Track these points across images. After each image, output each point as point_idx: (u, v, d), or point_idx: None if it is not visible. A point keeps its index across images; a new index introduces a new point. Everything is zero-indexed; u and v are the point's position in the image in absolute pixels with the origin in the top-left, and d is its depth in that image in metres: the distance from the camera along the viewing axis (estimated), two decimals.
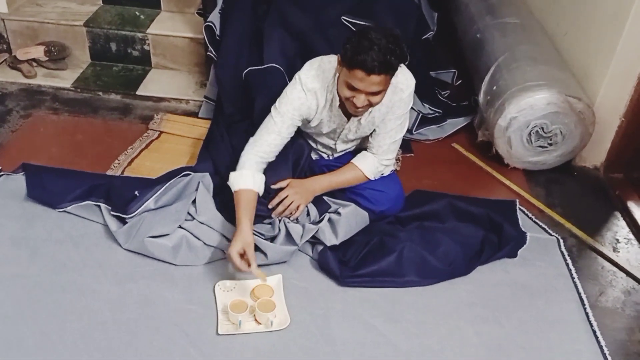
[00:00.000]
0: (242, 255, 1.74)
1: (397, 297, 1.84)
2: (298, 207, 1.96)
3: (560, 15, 2.73)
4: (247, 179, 1.83)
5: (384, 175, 2.07)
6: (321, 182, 2.02)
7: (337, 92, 1.82)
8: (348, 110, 1.82)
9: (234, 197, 1.84)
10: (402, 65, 1.79)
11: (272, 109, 1.88)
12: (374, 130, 1.98)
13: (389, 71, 1.66)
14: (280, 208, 1.95)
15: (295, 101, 1.84)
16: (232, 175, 1.86)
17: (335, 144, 2.07)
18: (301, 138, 2.14)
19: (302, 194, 1.97)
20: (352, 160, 2.04)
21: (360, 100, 1.70)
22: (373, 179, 2.03)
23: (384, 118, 1.92)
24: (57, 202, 2.04)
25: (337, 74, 1.79)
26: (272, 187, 1.96)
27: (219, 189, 2.06)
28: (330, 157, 2.15)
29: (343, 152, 2.15)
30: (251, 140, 1.91)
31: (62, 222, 2.01)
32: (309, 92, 1.84)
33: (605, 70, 2.34)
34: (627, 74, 2.31)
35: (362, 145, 2.11)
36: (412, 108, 2.63)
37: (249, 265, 1.73)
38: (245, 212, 1.79)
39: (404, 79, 1.87)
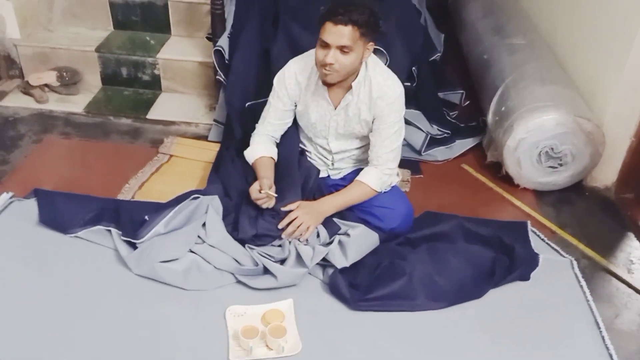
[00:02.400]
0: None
1: (408, 320, 1.83)
2: (308, 228, 1.96)
3: (567, 34, 2.74)
4: (260, 148, 2.10)
5: (392, 185, 2.10)
6: (331, 203, 2.04)
7: (315, 62, 1.92)
8: (322, 80, 1.94)
9: (254, 165, 2.09)
10: (392, 73, 2.01)
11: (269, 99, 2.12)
12: (369, 145, 2.05)
13: (355, 24, 1.79)
14: (290, 229, 1.96)
15: (280, 82, 2.07)
16: (249, 149, 2.13)
17: (328, 143, 2.12)
18: (308, 162, 2.18)
19: (312, 214, 1.98)
20: (356, 178, 2.07)
21: (330, 56, 1.82)
22: (380, 190, 2.05)
23: (369, 112, 1.98)
24: (69, 227, 2.05)
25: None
26: (282, 209, 1.98)
27: (230, 210, 2.07)
28: (331, 165, 2.19)
29: (347, 171, 2.20)
30: (257, 126, 2.17)
31: (73, 246, 2.01)
32: (287, 72, 2.06)
33: (613, 90, 2.34)
34: (636, 94, 2.30)
35: (363, 164, 2.17)
36: (420, 129, 2.68)
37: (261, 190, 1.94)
38: (264, 172, 2.03)
39: (389, 83, 1.97)
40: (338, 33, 1.79)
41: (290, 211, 1.98)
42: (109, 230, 2.04)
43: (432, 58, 2.94)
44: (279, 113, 2.11)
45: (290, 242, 1.97)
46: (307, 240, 1.98)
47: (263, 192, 1.95)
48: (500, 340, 1.79)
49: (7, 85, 2.99)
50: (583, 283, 2.01)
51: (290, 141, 2.22)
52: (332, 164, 2.20)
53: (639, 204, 2.43)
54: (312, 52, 1.97)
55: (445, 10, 3.82)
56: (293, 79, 2.04)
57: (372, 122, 2.02)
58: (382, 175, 2.04)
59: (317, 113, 2.06)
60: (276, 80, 2.08)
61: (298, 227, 1.95)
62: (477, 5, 3.41)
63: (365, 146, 2.14)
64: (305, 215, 1.97)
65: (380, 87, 1.95)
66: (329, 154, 2.18)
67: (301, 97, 2.06)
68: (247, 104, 2.46)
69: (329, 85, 1.98)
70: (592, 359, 1.75)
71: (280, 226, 1.97)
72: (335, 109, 2.03)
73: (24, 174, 2.40)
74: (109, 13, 3.08)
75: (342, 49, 1.82)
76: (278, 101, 2.09)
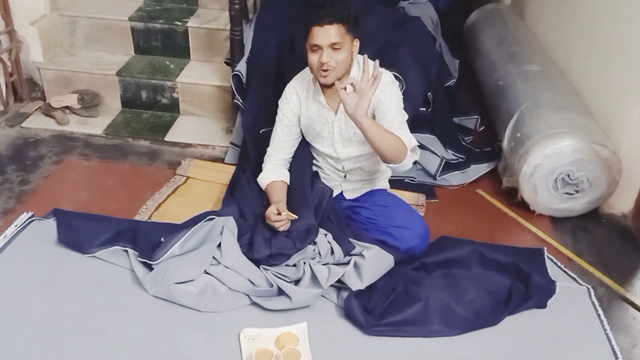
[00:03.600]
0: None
1: (423, 347, 1.81)
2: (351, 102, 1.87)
3: (582, 62, 2.75)
4: (272, 173, 2.17)
5: (417, 156, 2.05)
6: (369, 119, 1.91)
7: (310, 69, 2.01)
8: (320, 82, 2.01)
9: (267, 189, 2.16)
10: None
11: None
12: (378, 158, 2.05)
13: (339, 21, 1.88)
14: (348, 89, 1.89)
15: (283, 99, 2.18)
16: (260, 176, 2.19)
17: (335, 150, 2.15)
18: (320, 183, 2.21)
19: (361, 105, 1.87)
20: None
21: (324, 56, 1.90)
22: (409, 148, 1.96)
23: (373, 109, 2.01)
24: (86, 247, 2.07)
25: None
26: (339, 86, 1.88)
27: (244, 231, 2.09)
28: (343, 177, 2.23)
29: (362, 192, 2.23)
30: (268, 149, 2.23)
31: (90, 266, 2.04)
32: (288, 89, 2.17)
33: (630, 118, 2.34)
34: None
35: (376, 182, 2.24)
36: (435, 154, 2.69)
37: (280, 213, 1.98)
38: (277, 196, 2.08)
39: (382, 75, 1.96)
40: (326, 33, 1.89)
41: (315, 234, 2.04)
42: (126, 251, 2.07)
43: (447, 84, 2.97)
44: (285, 129, 2.18)
45: (305, 263, 1.98)
46: (319, 254, 2.00)
47: (284, 214, 1.99)
48: None
49: (29, 107, 3.06)
50: (600, 312, 1.99)
51: (303, 163, 2.25)
52: (345, 176, 2.22)
53: None
54: (307, 69, 2.08)
55: (460, 37, 3.86)
56: (294, 94, 2.15)
57: (373, 113, 2.03)
58: (405, 135, 1.98)
59: (319, 122, 2.13)
60: (280, 100, 2.20)
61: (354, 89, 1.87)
62: (492, 33, 3.44)
63: (375, 158, 2.14)
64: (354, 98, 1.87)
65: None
66: (338, 162, 2.20)
67: (303, 109, 2.15)
68: (261, 131, 2.50)
69: (328, 86, 2.02)
70: None
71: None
72: (336, 113, 2.09)
73: (43, 194, 2.44)
74: (130, 38, 3.15)
75: (333, 46, 1.91)
76: (283, 118, 2.18)
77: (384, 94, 2.02)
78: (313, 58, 1.95)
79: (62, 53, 3.16)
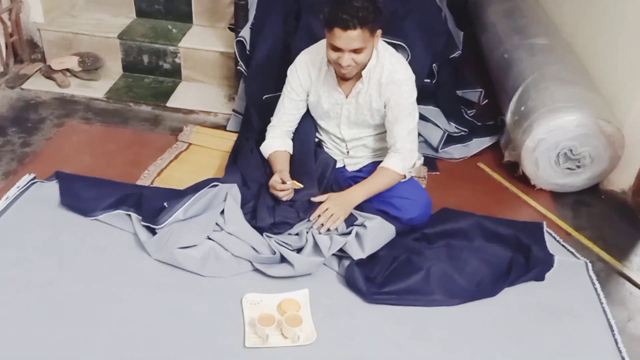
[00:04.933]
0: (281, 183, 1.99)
1: (423, 316, 1.84)
2: (338, 218, 1.98)
3: (590, 36, 2.73)
4: (276, 142, 2.14)
5: (416, 167, 2.13)
6: (359, 192, 2.06)
7: (327, 59, 1.94)
8: (338, 74, 1.97)
9: (270, 158, 2.13)
10: (400, 57, 2.04)
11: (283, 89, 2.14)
12: (382, 134, 2.10)
13: (364, 25, 1.78)
14: (321, 220, 1.98)
15: (293, 73, 2.11)
16: (265, 143, 2.16)
17: (340, 131, 2.15)
18: (324, 153, 2.20)
19: (342, 205, 2.01)
20: (379, 165, 2.09)
21: (345, 59, 1.84)
22: (405, 173, 2.06)
23: (385, 103, 2.01)
24: (89, 210, 2.08)
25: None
26: (312, 199, 2.01)
27: (248, 199, 2.09)
28: (346, 153, 2.23)
29: (364, 163, 2.24)
30: (272, 119, 2.20)
31: (93, 230, 2.04)
32: (299, 64, 2.09)
33: (635, 94, 2.34)
34: None
35: (378, 155, 2.23)
36: (437, 126, 2.69)
37: (284, 182, 1.98)
38: (280, 165, 2.07)
39: (398, 67, 1.99)
40: (349, 38, 1.80)
41: (319, 203, 2.02)
42: (129, 215, 2.07)
43: (452, 55, 2.94)
44: (293, 103, 2.15)
45: (307, 232, 1.99)
46: (337, 229, 2.00)
47: (289, 183, 1.98)
48: (514, 339, 1.80)
49: (29, 69, 3.02)
50: (597, 285, 2.02)
51: (307, 133, 2.24)
52: (347, 152, 2.23)
53: None
54: (322, 42, 1.99)
55: (465, 9, 3.81)
56: (305, 70, 2.08)
57: (385, 108, 2.04)
58: (403, 158, 2.06)
59: (328, 103, 2.10)
60: (289, 71, 2.13)
61: (329, 218, 1.97)
62: (498, 6, 3.40)
63: (378, 135, 2.17)
64: (336, 207, 1.99)
65: (389, 72, 1.98)
66: (342, 142, 2.21)
67: (312, 87, 2.10)
68: (264, 97, 2.48)
69: (346, 79, 2.00)
70: None
71: (311, 218, 2.00)
72: (347, 97, 2.07)
73: (45, 157, 2.43)
74: (132, 1, 3.10)
75: (355, 50, 1.84)
76: (291, 92, 2.13)
77: (400, 93, 1.99)
78: (332, 55, 1.89)
79: (63, 14, 3.11)
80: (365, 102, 2.05)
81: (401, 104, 2.01)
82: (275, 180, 2.01)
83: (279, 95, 2.23)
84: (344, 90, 2.06)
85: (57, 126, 2.65)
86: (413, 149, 2.09)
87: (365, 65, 1.96)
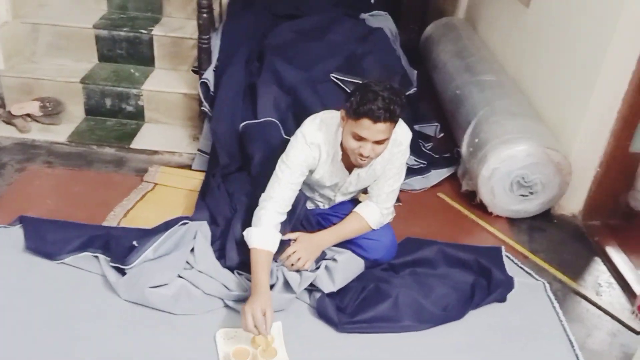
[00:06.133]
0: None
1: (394, 342, 1.89)
2: (305, 263, 2.00)
3: (533, 72, 2.92)
4: (268, 238, 1.89)
5: (383, 224, 2.13)
6: (329, 237, 2.06)
7: (341, 146, 1.89)
8: (353, 162, 1.88)
9: (252, 252, 1.87)
10: (400, 119, 1.88)
11: (280, 164, 1.94)
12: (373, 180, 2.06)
13: (393, 119, 1.75)
14: (287, 263, 2.00)
15: (301, 154, 1.92)
16: (251, 231, 1.90)
17: (335, 196, 2.14)
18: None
19: (310, 250, 2.02)
20: (355, 210, 2.08)
21: (367, 149, 1.78)
22: (375, 228, 2.09)
23: (383, 169, 2.01)
24: (56, 253, 2.05)
25: (341, 128, 1.87)
26: (282, 238, 1.96)
27: (217, 237, 2.12)
28: (326, 207, 2.22)
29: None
30: (264, 195, 1.95)
31: (61, 273, 2.02)
32: (312, 145, 1.91)
33: (579, 123, 2.51)
34: (600, 127, 2.47)
35: (357, 195, 2.21)
36: None
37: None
38: (265, 274, 1.84)
39: (401, 132, 1.96)
40: (376, 130, 1.73)
41: (289, 241, 2.01)
42: (97, 257, 2.06)
43: (408, 93, 3.08)
44: (294, 186, 1.95)
45: (277, 269, 2.02)
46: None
47: (268, 332, 1.75)
48: (483, 357, 1.86)
49: None
50: (556, 304, 2.12)
51: None
52: (328, 205, 2.21)
53: (605, 230, 2.58)
54: (326, 118, 1.93)
55: (416, 50, 4.01)
56: (317, 152, 1.92)
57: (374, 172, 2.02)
58: (381, 213, 2.07)
59: (330, 181, 2.03)
60: (296, 144, 1.91)
61: (297, 261, 1.99)
62: (448, 47, 3.59)
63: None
64: (304, 250, 2.00)
65: (393, 139, 1.89)
66: (328, 202, 2.19)
67: (319, 167, 1.97)
68: (242, 124, 2.49)
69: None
70: None
71: (278, 261, 2.00)
72: (350, 173, 2.02)
73: (7, 203, 2.39)
74: (94, 46, 3.13)
75: (379, 142, 1.78)
76: (296, 174, 1.93)
77: (400, 155, 1.97)
78: (353, 144, 1.79)
79: (24, 60, 3.11)
80: (369, 175, 2.02)
81: (395, 165, 2.00)
82: (258, 315, 1.73)
83: (254, 124, 2.21)
84: (348, 168, 1.99)
85: (18, 171, 2.62)
86: (390, 208, 2.10)
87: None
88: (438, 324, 1.95)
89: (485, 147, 2.55)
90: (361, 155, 1.80)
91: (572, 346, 1.95)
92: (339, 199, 2.16)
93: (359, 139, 1.77)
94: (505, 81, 3.02)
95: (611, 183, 2.54)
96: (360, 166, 1.91)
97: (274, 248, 1.91)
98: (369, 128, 1.73)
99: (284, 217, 1.97)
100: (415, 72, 3.40)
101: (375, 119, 1.71)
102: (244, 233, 1.92)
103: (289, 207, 1.98)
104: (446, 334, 1.94)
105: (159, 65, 3.17)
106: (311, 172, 1.99)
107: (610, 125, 2.45)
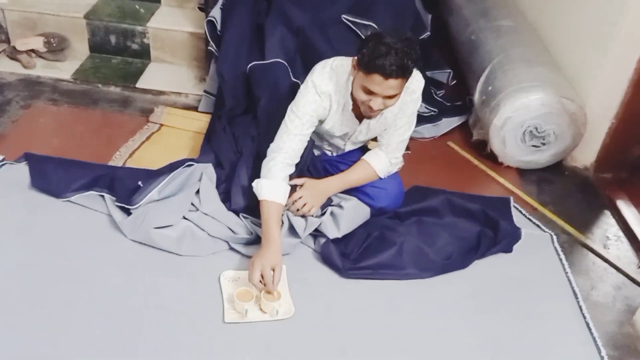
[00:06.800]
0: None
1: (397, 289, 1.90)
2: (311, 208, 1.98)
3: (553, 18, 2.81)
4: (278, 190, 1.85)
5: (391, 173, 2.09)
6: (335, 183, 2.04)
7: (351, 95, 1.83)
8: (362, 113, 1.84)
9: (263, 204, 1.83)
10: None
11: (289, 113, 1.88)
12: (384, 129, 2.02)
13: (405, 75, 1.67)
14: (293, 209, 1.98)
15: (312, 104, 1.85)
16: (261, 182, 1.86)
17: (344, 145, 2.10)
18: None
19: (316, 196, 1.99)
20: (364, 157, 2.05)
21: (377, 103, 1.72)
22: (383, 177, 2.06)
23: (395, 117, 1.95)
24: (61, 191, 2.05)
25: (352, 78, 1.80)
26: (289, 183, 1.93)
27: (222, 180, 2.10)
28: (334, 154, 2.19)
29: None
30: (273, 146, 1.90)
31: (66, 211, 2.02)
32: (322, 95, 1.85)
33: (596, 74, 2.43)
34: (618, 78, 2.39)
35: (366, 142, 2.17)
36: None
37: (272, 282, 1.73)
38: (277, 228, 1.81)
39: (414, 81, 1.87)
40: (387, 85, 1.67)
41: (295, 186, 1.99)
42: (102, 196, 2.05)
43: (421, 37, 2.98)
44: (304, 136, 1.90)
45: (283, 214, 2.00)
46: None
47: (276, 288, 1.75)
48: (485, 308, 1.87)
49: None
50: (562, 256, 2.11)
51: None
52: (337, 153, 2.17)
53: (616, 183, 2.54)
54: (336, 66, 1.85)
55: None
56: (327, 102, 1.87)
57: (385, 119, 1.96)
58: (389, 162, 2.04)
59: (341, 131, 1.99)
60: (306, 93, 1.86)
61: (303, 206, 1.97)
62: None
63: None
64: (310, 197, 1.98)
65: (406, 87, 1.80)
66: (337, 150, 2.15)
67: (329, 118, 1.92)
68: (249, 65, 2.41)
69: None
70: (570, 327, 1.85)
71: (286, 204, 1.96)
72: (360, 123, 1.97)
73: (12, 139, 2.37)
74: None
75: (390, 96, 1.72)
76: (306, 125, 1.88)
77: (412, 103, 1.92)
78: (363, 97, 1.73)
79: None
80: (380, 124, 1.97)
81: (407, 114, 1.94)
82: (267, 271, 1.73)
83: (261, 65, 2.15)
84: (358, 117, 1.94)
85: (23, 108, 2.59)
86: (399, 158, 2.06)
87: None
88: (440, 272, 1.95)
89: (499, 95, 2.48)
90: (371, 108, 1.74)
91: (576, 298, 1.95)
92: (349, 147, 2.12)
93: (369, 92, 1.71)
94: (524, 27, 2.90)
95: (626, 136, 2.48)
96: (369, 118, 1.87)
97: (284, 200, 1.88)
98: (380, 84, 1.66)
99: (293, 169, 1.93)
100: (430, 15, 3.27)
101: (387, 76, 1.64)
102: (253, 184, 1.89)
103: (298, 159, 1.93)
104: (449, 282, 1.94)
105: (165, 1, 3.08)
106: (321, 122, 1.94)
107: (629, 75, 2.37)
